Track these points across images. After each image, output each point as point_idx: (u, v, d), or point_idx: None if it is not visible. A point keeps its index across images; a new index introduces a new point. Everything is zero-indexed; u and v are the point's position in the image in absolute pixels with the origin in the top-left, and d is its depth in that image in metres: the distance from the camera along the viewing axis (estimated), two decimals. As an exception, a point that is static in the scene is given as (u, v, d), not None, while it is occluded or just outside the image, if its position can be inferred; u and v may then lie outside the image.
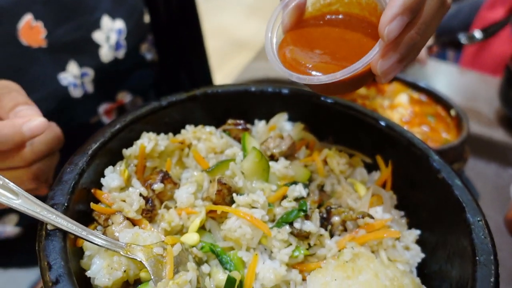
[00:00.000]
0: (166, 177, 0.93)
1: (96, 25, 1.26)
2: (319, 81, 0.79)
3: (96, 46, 1.27)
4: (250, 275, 0.83)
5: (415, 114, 1.43)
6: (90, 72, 1.28)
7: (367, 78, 0.83)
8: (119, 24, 1.30)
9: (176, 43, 1.73)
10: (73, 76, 1.24)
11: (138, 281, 0.79)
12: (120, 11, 1.32)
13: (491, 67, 2.23)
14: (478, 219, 0.81)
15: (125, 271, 0.77)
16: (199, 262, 0.84)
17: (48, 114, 1.21)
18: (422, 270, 0.92)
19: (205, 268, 0.83)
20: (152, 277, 0.75)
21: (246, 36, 5.66)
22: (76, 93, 1.28)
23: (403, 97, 1.48)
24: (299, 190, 0.92)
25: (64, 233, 0.73)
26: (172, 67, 1.73)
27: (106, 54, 1.29)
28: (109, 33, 1.28)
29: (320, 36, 0.89)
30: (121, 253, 0.76)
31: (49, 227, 0.72)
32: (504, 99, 1.74)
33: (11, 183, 0.72)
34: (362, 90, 1.51)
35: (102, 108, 1.41)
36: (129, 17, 1.34)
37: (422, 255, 0.92)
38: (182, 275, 0.75)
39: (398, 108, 1.44)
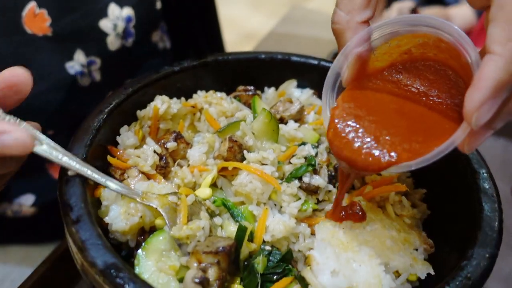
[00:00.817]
0: (179, 137, 0.96)
1: (103, 13, 1.23)
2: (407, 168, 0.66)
3: (103, 34, 1.24)
4: (260, 227, 0.86)
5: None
6: (97, 60, 1.26)
7: None
8: (128, 11, 1.28)
9: (190, 30, 1.70)
10: (80, 65, 1.23)
11: (154, 229, 0.82)
12: None
13: None
14: (483, 171, 0.83)
15: (141, 217, 0.80)
16: (211, 215, 0.88)
17: (57, 103, 1.24)
18: (428, 226, 0.94)
19: (217, 220, 0.87)
20: (167, 222, 0.79)
21: (253, 28, 5.67)
22: (84, 81, 1.27)
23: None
24: (308, 149, 0.95)
25: (84, 180, 0.76)
26: (185, 56, 1.70)
27: (113, 42, 1.27)
28: (117, 21, 1.25)
29: (381, 102, 0.73)
30: (138, 199, 0.80)
31: (69, 173, 0.76)
32: None
33: (36, 130, 0.75)
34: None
35: None
36: (138, 5, 1.31)
37: (428, 212, 0.95)
38: (195, 222, 0.78)
39: (405, 81, 1.45)
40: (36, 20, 1.12)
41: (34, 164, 1.33)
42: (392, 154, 0.66)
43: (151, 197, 0.81)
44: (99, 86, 1.32)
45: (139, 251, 0.75)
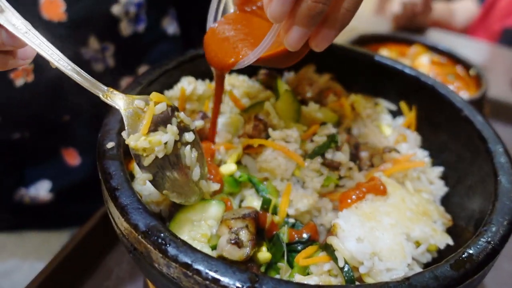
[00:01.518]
0: (205, 116, 1.00)
1: None
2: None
3: (115, 20, 1.26)
4: (284, 200, 0.90)
5: (436, 74, 1.48)
6: (110, 46, 1.29)
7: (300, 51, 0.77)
8: None
9: (199, 16, 1.72)
10: (94, 50, 1.25)
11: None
12: None
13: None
14: (499, 147, 0.87)
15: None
16: (183, 129, 0.82)
17: (72, 88, 1.26)
18: (445, 202, 0.98)
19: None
20: (126, 128, 0.76)
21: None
22: (98, 67, 1.29)
23: (424, 59, 1.53)
24: (329, 128, 0.99)
25: (121, 152, 0.80)
26: (195, 41, 1.75)
27: (125, 28, 1.29)
28: (128, 7, 1.26)
29: (249, 20, 0.90)
30: (100, 96, 0.76)
31: (108, 145, 0.80)
32: None
33: None
34: (384, 53, 1.56)
35: (124, 81, 1.43)
36: None
37: (445, 189, 0.98)
38: (157, 134, 0.76)
39: (418, 69, 1.49)
40: (52, 6, 1.15)
41: (49, 149, 1.37)
42: (239, 52, 0.83)
43: (115, 96, 0.76)
44: (112, 71, 1.34)
45: (180, 212, 0.79)
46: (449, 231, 0.90)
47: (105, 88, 0.77)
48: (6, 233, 1.45)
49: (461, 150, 0.98)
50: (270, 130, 0.96)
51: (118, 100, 0.77)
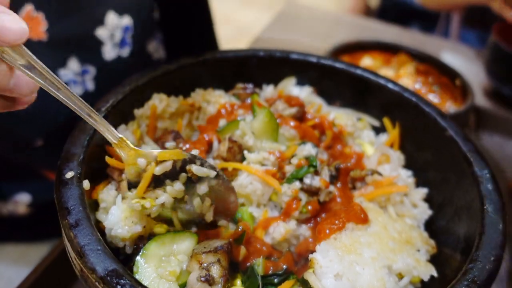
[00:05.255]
0: (178, 136, 0.95)
1: (100, 21, 1.19)
2: None
3: (98, 43, 1.20)
4: (260, 229, 0.85)
5: (421, 83, 1.44)
6: (91, 69, 1.22)
7: None
8: (127, 21, 1.24)
9: (187, 40, 1.64)
10: (73, 73, 1.19)
11: (153, 234, 0.80)
12: (128, 7, 1.24)
13: None
14: (486, 172, 0.83)
15: (144, 227, 0.78)
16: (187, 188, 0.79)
17: (47, 111, 1.19)
18: (430, 227, 0.93)
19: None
20: (126, 182, 0.77)
21: (247, 23, 5.64)
22: (76, 90, 1.22)
23: (409, 68, 1.49)
24: (308, 149, 0.94)
25: (81, 182, 0.74)
26: None
27: (109, 51, 1.23)
28: (115, 30, 1.21)
29: None
30: (113, 141, 0.75)
31: (67, 175, 0.74)
32: (492, 74, 1.75)
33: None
34: (367, 61, 1.52)
35: None
36: (137, 14, 1.27)
37: (430, 212, 0.94)
38: (154, 194, 0.76)
39: (403, 78, 1.45)
40: (32, 24, 1.08)
41: (30, 168, 1.30)
42: None
43: (125, 147, 0.75)
44: (92, 96, 1.25)
45: (138, 257, 0.74)
46: (434, 258, 0.86)
47: (118, 135, 0.75)
48: None
49: (446, 171, 0.94)
50: (245, 153, 0.91)
51: (125, 152, 0.76)
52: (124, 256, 0.80)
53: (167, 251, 0.76)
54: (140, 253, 0.75)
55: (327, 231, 0.79)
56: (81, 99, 0.71)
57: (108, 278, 0.61)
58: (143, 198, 0.76)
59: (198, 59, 1.08)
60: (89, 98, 1.28)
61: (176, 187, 0.77)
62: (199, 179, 0.79)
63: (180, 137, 0.95)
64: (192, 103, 1.04)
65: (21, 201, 1.33)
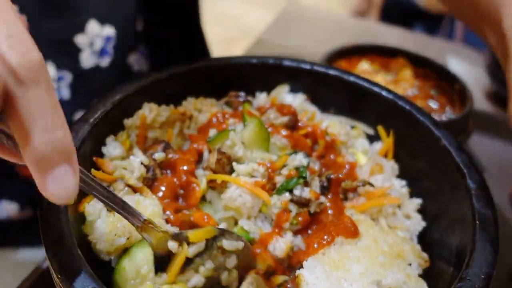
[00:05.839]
0: (167, 147, 0.93)
1: (80, 28, 1.17)
2: None
3: (77, 50, 1.18)
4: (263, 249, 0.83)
5: (419, 88, 1.42)
6: (67, 76, 1.21)
7: None
8: (109, 30, 1.22)
9: (174, 52, 1.61)
10: None
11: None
12: (111, 17, 1.22)
13: None
14: (479, 185, 0.81)
15: (128, 239, 0.77)
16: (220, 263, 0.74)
17: None
18: (423, 238, 0.92)
19: None
20: (154, 267, 0.72)
21: (250, 24, 5.63)
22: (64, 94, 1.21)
23: (407, 72, 1.47)
24: (299, 159, 0.92)
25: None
26: None
27: (87, 59, 1.21)
28: (94, 39, 1.19)
29: None
30: (136, 227, 0.70)
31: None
32: (494, 77, 1.72)
33: None
34: (365, 66, 1.50)
35: (78, 116, 1.30)
36: (120, 24, 1.25)
37: (423, 224, 0.92)
38: (185, 277, 0.71)
39: (401, 83, 1.43)
40: None
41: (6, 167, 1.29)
42: None
43: (151, 230, 0.70)
44: (66, 104, 1.24)
45: (114, 276, 0.72)
46: (427, 272, 0.84)
47: (143, 218, 0.69)
48: None
49: (440, 181, 0.92)
50: (234, 164, 0.90)
51: (151, 236, 0.70)
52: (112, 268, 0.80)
53: (132, 273, 0.73)
54: (114, 272, 0.74)
55: (315, 245, 0.78)
56: (101, 183, 0.66)
57: (87, 299, 0.60)
58: (174, 283, 0.71)
59: (189, 67, 1.07)
60: (64, 106, 1.25)
61: (208, 266, 0.72)
62: (228, 252, 0.75)
63: (169, 147, 0.94)
64: (183, 112, 1.02)
65: (11, 208, 1.32)
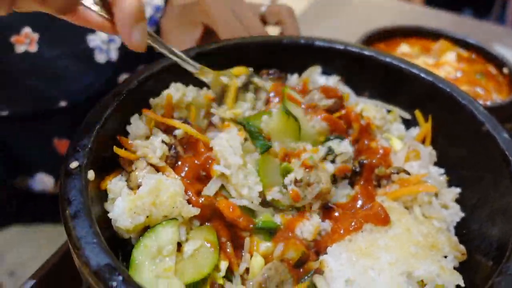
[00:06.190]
0: (186, 123, 0.91)
1: None
2: None
3: None
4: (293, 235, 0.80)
5: (463, 72, 1.33)
6: (118, 39, 1.26)
7: None
8: (158, 0, 1.26)
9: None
10: (101, 40, 1.22)
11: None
12: None
13: None
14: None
15: (147, 217, 0.75)
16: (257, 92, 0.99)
17: (72, 73, 1.21)
18: (461, 230, 0.85)
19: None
20: (216, 100, 0.94)
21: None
22: (101, 58, 1.26)
23: (450, 55, 1.37)
24: (345, 146, 0.88)
25: (85, 173, 0.73)
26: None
27: None
28: (146, 6, 1.23)
29: None
30: (193, 71, 0.92)
31: (71, 165, 0.72)
32: None
33: None
34: (404, 49, 1.42)
35: (122, 78, 1.37)
36: None
37: (462, 214, 0.86)
38: (238, 107, 0.92)
39: (444, 66, 1.34)
40: None
41: (40, 138, 1.32)
42: None
43: (207, 73, 0.92)
44: (114, 66, 1.29)
45: (133, 252, 0.71)
46: (463, 265, 0.78)
47: (198, 65, 0.92)
48: (23, 226, 1.44)
49: (481, 170, 0.85)
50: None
51: (209, 76, 0.93)
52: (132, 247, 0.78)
53: (154, 251, 0.72)
54: (135, 248, 0.73)
55: (342, 231, 0.73)
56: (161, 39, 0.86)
57: (101, 272, 0.59)
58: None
59: (219, 46, 1.04)
60: (111, 67, 1.31)
61: (250, 96, 0.96)
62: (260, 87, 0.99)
63: (189, 123, 0.91)
64: (213, 98, 0.99)
65: (46, 180, 1.35)
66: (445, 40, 1.43)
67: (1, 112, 1.23)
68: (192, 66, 0.91)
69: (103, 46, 1.23)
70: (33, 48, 1.14)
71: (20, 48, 1.13)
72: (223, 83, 0.93)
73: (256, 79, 0.98)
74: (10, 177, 1.37)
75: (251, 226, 0.79)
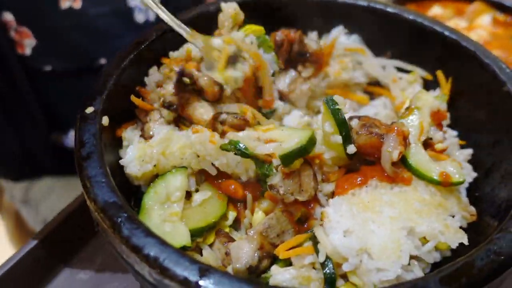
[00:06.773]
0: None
1: None
2: None
3: None
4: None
5: (496, 36, 1.26)
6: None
7: None
8: None
9: None
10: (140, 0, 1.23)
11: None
12: None
13: None
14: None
15: (155, 166, 0.78)
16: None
17: (113, 31, 1.24)
18: (474, 193, 0.83)
19: None
20: (204, 64, 0.89)
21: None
22: (139, 17, 1.28)
23: (485, 18, 1.31)
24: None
25: (100, 118, 0.76)
26: None
27: None
28: None
29: None
30: (184, 35, 0.91)
31: (87, 110, 0.76)
32: None
33: None
34: (437, 10, 1.36)
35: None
36: None
37: (474, 174, 0.84)
38: (229, 71, 0.88)
39: (477, 30, 1.28)
40: None
41: (79, 94, 1.37)
42: None
43: (197, 36, 0.90)
44: (151, 26, 1.23)
45: (144, 197, 0.74)
46: (472, 226, 0.77)
47: (189, 29, 0.91)
48: (55, 178, 1.52)
49: (499, 133, 0.82)
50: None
51: (199, 40, 0.90)
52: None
53: (162, 197, 0.75)
54: (144, 194, 0.76)
55: (346, 186, 0.74)
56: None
57: (107, 209, 0.62)
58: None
59: (240, 2, 1.03)
60: (149, 28, 1.32)
61: (244, 67, 0.90)
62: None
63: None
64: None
65: None
66: (481, 2, 1.36)
67: (44, 67, 1.29)
68: (183, 30, 0.91)
69: (142, 5, 1.25)
70: (78, 5, 1.19)
71: (65, 4, 1.18)
72: (214, 48, 0.90)
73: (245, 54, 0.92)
74: (47, 132, 1.44)
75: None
